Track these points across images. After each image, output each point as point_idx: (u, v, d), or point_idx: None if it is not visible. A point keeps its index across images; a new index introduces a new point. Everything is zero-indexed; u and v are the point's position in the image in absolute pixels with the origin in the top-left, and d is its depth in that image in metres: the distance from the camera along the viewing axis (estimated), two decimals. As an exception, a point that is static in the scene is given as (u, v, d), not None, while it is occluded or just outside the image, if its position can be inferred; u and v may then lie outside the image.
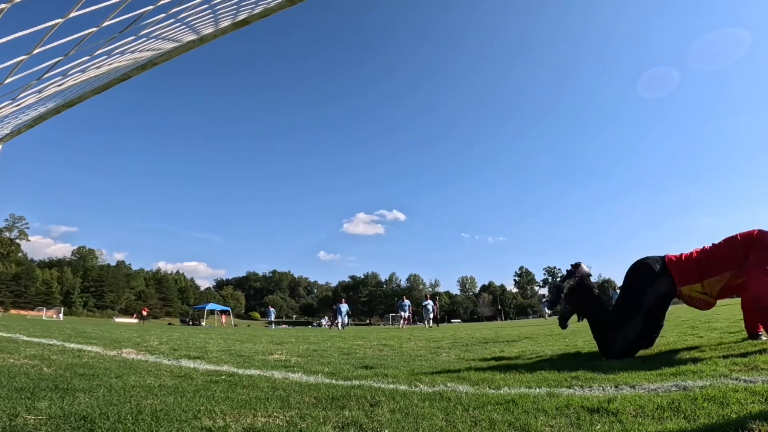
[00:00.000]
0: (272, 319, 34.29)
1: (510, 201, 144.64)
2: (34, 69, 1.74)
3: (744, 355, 2.50)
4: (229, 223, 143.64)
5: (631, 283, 3.17)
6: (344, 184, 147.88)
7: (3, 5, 1.16)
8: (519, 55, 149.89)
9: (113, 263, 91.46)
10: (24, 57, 1.53)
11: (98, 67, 2.33)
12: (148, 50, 2.55)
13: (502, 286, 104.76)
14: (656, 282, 2.99)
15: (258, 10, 2.41)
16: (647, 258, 3.16)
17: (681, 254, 3.07)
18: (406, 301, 21.76)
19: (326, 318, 65.91)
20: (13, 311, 55.53)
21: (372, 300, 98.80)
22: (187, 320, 49.79)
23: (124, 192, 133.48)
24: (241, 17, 2.48)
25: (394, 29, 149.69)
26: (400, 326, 20.55)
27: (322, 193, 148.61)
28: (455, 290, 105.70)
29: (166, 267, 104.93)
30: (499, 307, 72.38)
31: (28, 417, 1.55)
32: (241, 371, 2.95)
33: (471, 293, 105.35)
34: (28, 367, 2.93)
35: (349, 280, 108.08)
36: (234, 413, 1.64)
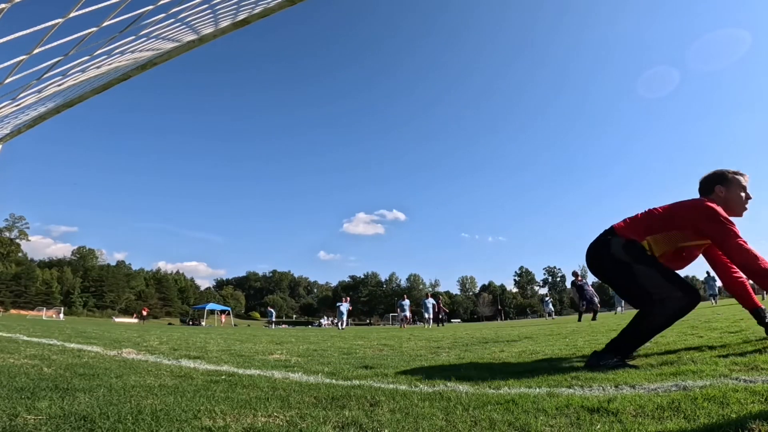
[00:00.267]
0: (273, 320, 34.21)
1: (510, 201, 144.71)
2: (34, 69, 1.74)
3: (744, 355, 2.50)
4: (229, 223, 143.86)
5: (602, 268, 2.93)
6: (344, 184, 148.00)
7: (3, 5, 1.16)
8: (519, 54, 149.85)
9: (113, 263, 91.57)
10: (24, 57, 1.53)
11: (98, 67, 2.33)
12: (148, 50, 2.55)
13: (502, 286, 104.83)
14: (612, 244, 2.85)
15: (258, 10, 2.41)
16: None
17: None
18: (406, 301, 21.47)
19: (326, 318, 65.85)
20: (13, 311, 55.54)
21: (372, 300, 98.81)
22: (187, 320, 49.77)
23: (124, 192, 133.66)
24: (241, 17, 2.48)
25: (393, 28, 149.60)
26: (401, 326, 20.33)
27: (322, 193, 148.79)
28: (455, 290, 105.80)
29: (166, 267, 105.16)
30: (499, 307, 72.38)
31: (28, 417, 1.55)
32: (241, 371, 2.95)
33: (471, 293, 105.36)
34: (28, 366, 2.93)
35: (349, 280, 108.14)
36: (234, 413, 1.64)
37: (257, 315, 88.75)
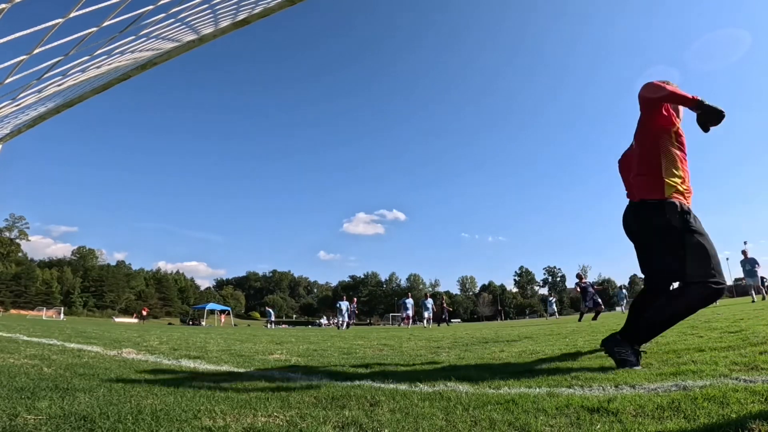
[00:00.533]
0: (272, 319, 33.82)
1: (510, 200, 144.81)
2: (34, 69, 1.74)
3: (744, 355, 2.50)
4: (230, 222, 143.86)
5: (647, 234, 2.67)
6: (344, 184, 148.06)
7: (3, 5, 1.16)
8: (518, 52, 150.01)
9: (113, 263, 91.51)
10: (24, 57, 1.53)
11: (98, 67, 2.33)
12: (148, 50, 2.55)
13: (502, 286, 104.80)
14: (667, 209, 2.57)
15: (258, 10, 2.41)
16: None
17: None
18: (410, 299, 20.94)
19: (325, 318, 65.77)
20: (13, 311, 55.55)
21: (372, 300, 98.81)
22: (187, 320, 49.78)
23: (124, 192, 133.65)
24: (241, 17, 2.48)
25: (393, 26, 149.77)
26: (405, 325, 19.92)
27: (322, 193, 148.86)
28: (455, 290, 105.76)
29: (166, 267, 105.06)
30: (499, 307, 72.42)
31: (28, 417, 1.55)
32: (241, 371, 2.95)
33: (471, 293, 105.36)
34: (29, 366, 2.93)
35: (349, 280, 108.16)
36: (234, 413, 1.64)
37: (257, 315, 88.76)
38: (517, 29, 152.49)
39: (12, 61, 1.53)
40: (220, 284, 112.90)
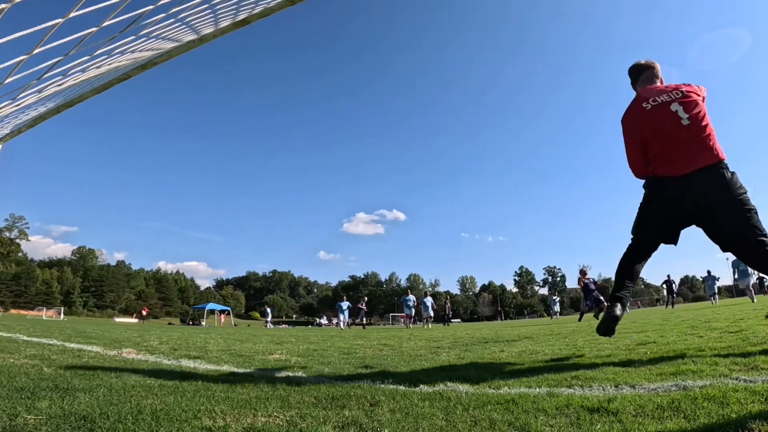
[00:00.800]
0: (269, 319, 32.91)
1: (510, 200, 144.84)
2: (34, 69, 1.74)
3: (744, 355, 2.50)
4: (230, 222, 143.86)
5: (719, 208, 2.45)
6: (344, 184, 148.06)
7: (3, 5, 1.16)
8: (517, 51, 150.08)
9: (113, 263, 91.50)
10: (24, 57, 1.53)
11: (98, 67, 2.33)
12: (148, 50, 2.55)
13: (502, 286, 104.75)
14: (735, 179, 2.48)
15: (258, 10, 2.41)
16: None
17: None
18: (411, 296, 19.89)
19: (325, 318, 65.61)
20: (13, 311, 55.54)
21: (372, 300, 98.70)
22: (187, 320, 49.77)
23: (124, 191, 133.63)
24: (241, 17, 2.48)
25: (392, 25, 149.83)
26: (407, 325, 19.02)
27: (322, 193, 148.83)
28: (455, 290, 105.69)
29: (166, 267, 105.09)
30: (499, 308, 72.40)
31: (29, 417, 1.55)
32: (241, 371, 2.95)
33: (471, 293, 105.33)
34: (29, 366, 2.93)
35: (349, 280, 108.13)
36: (234, 413, 1.64)
37: (257, 315, 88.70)
38: (516, 28, 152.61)
39: (12, 61, 1.53)
40: (220, 284, 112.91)
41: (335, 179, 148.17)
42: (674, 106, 2.69)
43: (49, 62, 1.77)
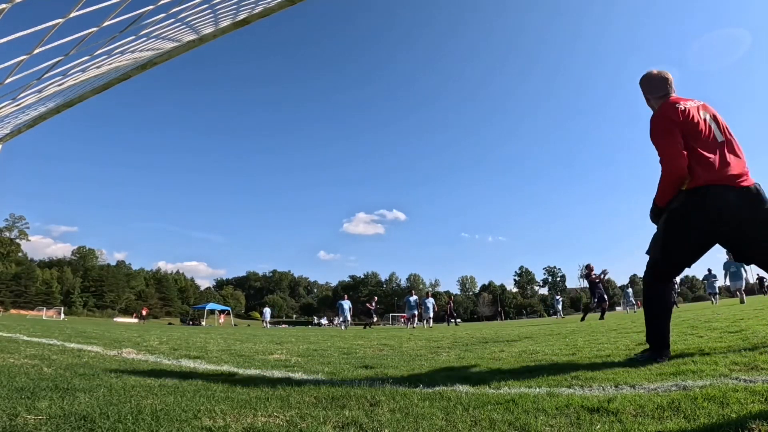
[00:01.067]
0: (267, 319, 32.32)
1: (510, 200, 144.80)
2: (34, 69, 1.74)
3: (744, 355, 2.50)
4: (230, 222, 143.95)
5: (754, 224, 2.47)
6: (344, 184, 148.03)
7: (3, 5, 1.16)
8: (516, 48, 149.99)
9: (113, 263, 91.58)
10: (24, 57, 1.53)
11: (98, 67, 2.33)
12: (148, 50, 2.55)
13: (502, 286, 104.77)
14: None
15: (258, 9, 2.41)
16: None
17: None
18: (414, 297, 19.49)
19: (325, 318, 65.48)
20: (13, 311, 55.55)
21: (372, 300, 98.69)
22: (187, 320, 49.75)
23: (125, 191, 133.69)
24: (241, 17, 2.48)
25: (391, 23, 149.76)
26: (409, 326, 18.66)
27: (322, 193, 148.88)
28: (455, 290, 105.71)
29: (166, 267, 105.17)
30: (499, 308, 72.36)
31: (29, 417, 1.55)
32: (241, 371, 2.95)
33: (471, 293, 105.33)
34: (29, 366, 2.93)
35: (349, 279, 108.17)
36: (234, 413, 1.64)
37: (257, 315, 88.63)
38: (515, 26, 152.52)
39: (12, 61, 1.53)
40: (220, 284, 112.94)
41: (335, 179, 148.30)
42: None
43: (49, 62, 1.77)
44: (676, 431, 1.29)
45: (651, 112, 2.93)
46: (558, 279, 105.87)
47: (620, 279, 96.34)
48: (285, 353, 4.34)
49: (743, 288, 13.81)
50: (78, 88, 2.71)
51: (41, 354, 3.81)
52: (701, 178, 2.59)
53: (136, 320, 47.56)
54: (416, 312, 19.38)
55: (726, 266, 14.39)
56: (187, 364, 3.38)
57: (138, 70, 2.78)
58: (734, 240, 2.57)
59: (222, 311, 47.64)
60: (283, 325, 51.09)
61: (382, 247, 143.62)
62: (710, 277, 17.78)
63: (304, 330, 19.48)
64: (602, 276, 13.82)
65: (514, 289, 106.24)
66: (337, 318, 25.30)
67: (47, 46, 1.51)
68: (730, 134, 2.75)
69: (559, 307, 26.02)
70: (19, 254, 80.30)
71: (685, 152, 2.65)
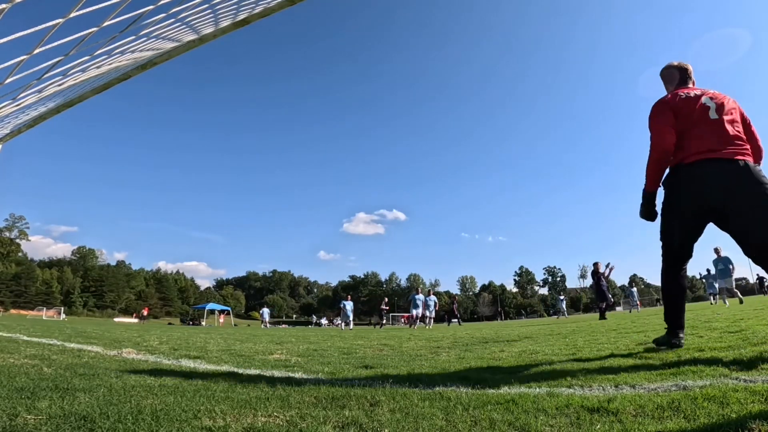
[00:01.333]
0: (266, 320, 32.20)
1: (510, 200, 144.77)
2: (34, 69, 1.74)
3: (744, 355, 2.50)
4: (230, 222, 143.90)
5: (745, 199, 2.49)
6: (344, 184, 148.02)
7: (3, 5, 1.16)
8: (515, 48, 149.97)
9: (113, 263, 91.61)
10: (24, 57, 1.53)
11: (98, 67, 2.33)
12: (148, 50, 2.55)
13: (502, 286, 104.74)
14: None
15: (258, 9, 2.41)
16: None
17: None
18: (420, 295, 18.80)
19: (325, 318, 65.31)
20: (13, 311, 55.55)
21: (372, 300, 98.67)
22: (187, 320, 49.74)
23: (125, 191, 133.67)
24: (241, 17, 2.48)
25: (391, 21, 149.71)
26: (413, 326, 18.04)
27: (322, 193, 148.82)
28: (455, 290, 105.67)
29: (166, 267, 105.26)
30: (499, 308, 72.36)
31: (28, 417, 1.55)
32: (241, 371, 2.95)
33: (471, 293, 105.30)
34: (29, 366, 2.93)
35: (349, 279, 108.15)
36: (234, 413, 1.64)
37: (257, 315, 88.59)
38: (514, 25, 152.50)
39: (12, 61, 1.53)
40: (220, 284, 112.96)
41: (335, 179, 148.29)
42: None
43: (49, 62, 1.77)
44: (676, 431, 1.29)
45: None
46: (558, 279, 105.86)
47: (620, 279, 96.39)
48: (285, 353, 4.34)
49: (733, 286, 13.38)
50: (78, 88, 2.71)
51: (41, 354, 3.81)
52: (690, 153, 2.71)
53: (136, 320, 47.56)
54: (420, 311, 18.70)
55: (714, 263, 14.07)
56: (187, 364, 3.38)
57: (138, 70, 2.79)
58: (726, 217, 2.62)
59: (222, 311, 47.62)
60: (283, 325, 51.04)
61: (382, 247, 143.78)
62: (710, 277, 17.63)
63: (303, 330, 19.47)
64: (607, 270, 13.74)
65: (514, 289, 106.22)
66: (338, 318, 25.27)
67: (47, 46, 1.51)
68: (734, 118, 2.78)
69: (563, 306, 25.79)
70: (19, 254, 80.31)
71: (674, 130, 2.79)
